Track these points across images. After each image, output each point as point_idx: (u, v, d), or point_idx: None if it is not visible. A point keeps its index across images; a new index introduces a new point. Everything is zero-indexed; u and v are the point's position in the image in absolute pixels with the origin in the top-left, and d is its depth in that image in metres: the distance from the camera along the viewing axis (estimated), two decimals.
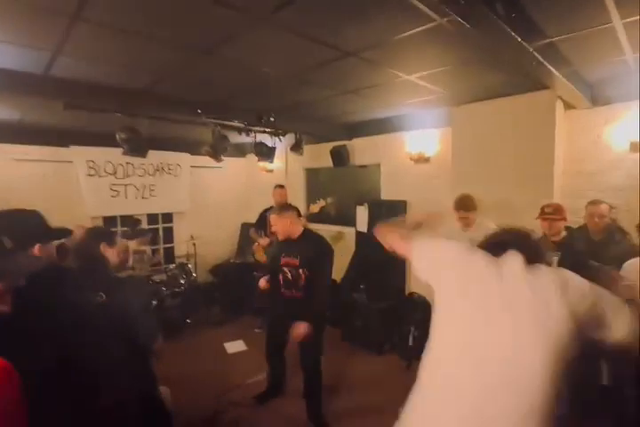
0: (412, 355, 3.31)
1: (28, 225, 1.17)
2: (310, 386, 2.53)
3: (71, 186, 4.20)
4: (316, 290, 2.44)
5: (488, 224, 2.82)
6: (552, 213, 2.42)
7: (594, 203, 2.52)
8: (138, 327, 1.54)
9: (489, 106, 3.05)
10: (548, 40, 1.88)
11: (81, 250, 1.65)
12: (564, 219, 2.42)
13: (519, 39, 1.61)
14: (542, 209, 2.47)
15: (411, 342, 3.33)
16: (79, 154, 4.18)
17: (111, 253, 1.69)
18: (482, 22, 1.44)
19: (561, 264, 2.44)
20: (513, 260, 0.93)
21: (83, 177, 4.21)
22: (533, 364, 0.79)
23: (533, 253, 0.97)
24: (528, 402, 0.78)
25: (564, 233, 2.49)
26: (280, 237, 2.57)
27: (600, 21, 1.69)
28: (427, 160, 3.73)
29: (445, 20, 1.54)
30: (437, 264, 1.05)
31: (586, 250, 2.41)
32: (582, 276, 0.94)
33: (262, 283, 2.66)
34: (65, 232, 1.31)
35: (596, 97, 2.74)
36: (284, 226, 2.49)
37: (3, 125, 3.62)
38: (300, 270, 2.49)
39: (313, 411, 2.53)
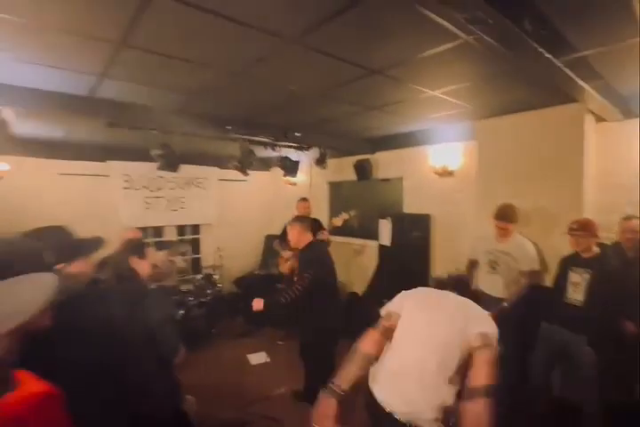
0: None
1: (65, 241, 1.23)
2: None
3: (108, 198, 4.45)
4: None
5: (525, 243, 2.76)
6: (578, 229, 2.37)
7: (627, 218, 2.44)
8: (161, 340, 1.54)
9: (515, 119, 3.03)
10: (577, 54, 1.86)
11: (114, 263, 1.70)
12: (593, 235, 2.35)
13: (547, 55, 1.62)
14: (570, 225, 2.42)
15: None
16: (116, 168, 4.45)
17: (142, 266, 1.72)
18: (509, 39, 1.46)
19: (593, 282, 2.35)
20: (448, 294, 1.74)
21: (119, 190, 4.47)
22: (452, 342, 1.49)
23: (463, 289, 1.83)
24: (447, 359, 1.46)
25: (596, 250, 2.41)
26: (291, 245, 2.78)
27: (631, 34, 1.68)
28: (450, 174, 3.72)
29: (472, 37, 1.55)
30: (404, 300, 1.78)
31: (620, 267, 2.31)
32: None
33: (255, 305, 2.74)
34: (97, 243, 1.37)
35: (629, 109, 2.67)
36: (292, 235, 2.72)
37: (49, 142, 3.92)
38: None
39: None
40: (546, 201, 2.88)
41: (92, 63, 2.02)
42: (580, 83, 1.97)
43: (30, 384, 0.73)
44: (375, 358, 1.61)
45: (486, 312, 1.65)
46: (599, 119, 2.79)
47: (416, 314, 1.64)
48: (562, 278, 2.54)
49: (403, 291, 1.85)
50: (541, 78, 2.10)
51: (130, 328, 1.33)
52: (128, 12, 1.47)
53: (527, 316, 2.72)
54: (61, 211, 3.73)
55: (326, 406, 1.41)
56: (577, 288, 2.44)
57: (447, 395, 1.42)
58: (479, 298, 1.86)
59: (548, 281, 2.82)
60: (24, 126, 3.09)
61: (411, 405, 1.42)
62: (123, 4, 1.42)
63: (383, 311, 1.75)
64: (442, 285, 1.86)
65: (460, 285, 1.86)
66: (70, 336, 1.06)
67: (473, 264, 3.04)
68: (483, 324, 1.54)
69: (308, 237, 2.73)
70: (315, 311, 2.64)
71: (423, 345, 1.52)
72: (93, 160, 4.33)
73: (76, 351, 1.06)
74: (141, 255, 1.73)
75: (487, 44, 1.51)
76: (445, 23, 1.34)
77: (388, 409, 1.45)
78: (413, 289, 1.85)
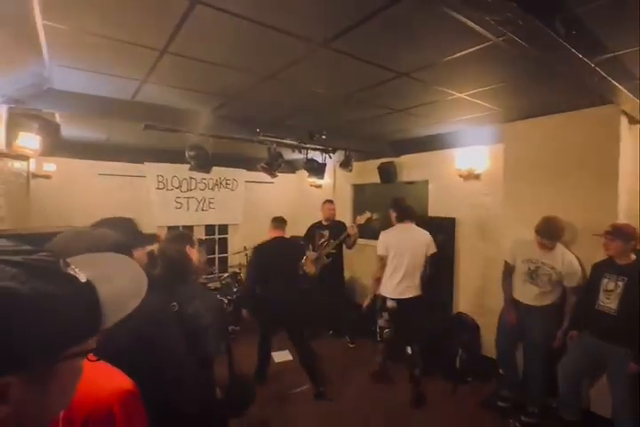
0: (459, 378, 3.18)
1: (127, 231, 1.25)
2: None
3: (142, 198, 4.69)
4: None
5: (571, 257, 2.62)
6: (613, 232, 2.30)
7: None
8: (207, 340, 1.56)
9: (545, 122, 2.97)
10: (611, 54, 1.83)
11: (168, 252, 1.68)
12: (630, 241, 2.27)
13: (580, 55, 1.61)
14: (606, 229, 2.36)
15: (457, 365, 3.21)
16: (151, 169, 4.69)
17: (194, 255, 1.77)
18: (540, 41, 1.45)
19: (628, 290, 2.27)
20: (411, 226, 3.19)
21: (153, 190, 4.70)
22: (422, 254, 3.05)
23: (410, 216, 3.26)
24: (419, 265, 3.04)
25: (633, 257, 2.33)
26: None
27: None
28: (477, 177, 3.68)
29: (501, 39, 1.57)
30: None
31: None
32: None
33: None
34: (154, 238, 1.48)
35: None
36: None
37: (92, 145, 4.18)
38: None
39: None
40: (577, 206, 2.80)
41: (136, 69, 2.16)
42: (615, 83, 1.93)
43: (115, 376, 0.76)
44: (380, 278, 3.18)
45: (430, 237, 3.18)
46: (632, 121, 2.70)
47: (396, 247, 3.09)
48: (594, 285, 2.46)
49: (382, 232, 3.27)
50: (573, 79, 2.06)
51: (172, 324, 1.34)
52: (172, 21, 1.58)
53: (555, 323, 2.65)
54: (100, 209, 3.96)
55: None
56: (610, 296, 2.37)
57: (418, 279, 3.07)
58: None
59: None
60: (70, 129, 3.33)
61: (398, 290, 3.06)
62: (168, 13, 1.52)
63: (378, 254, 3.21)
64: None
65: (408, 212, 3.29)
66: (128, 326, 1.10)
67: (510, 270, 2.88)
68: (432, 246, 3.14)
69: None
70: None
71: (406, 259, 3.05)
72: (131, 161, 4.58)
73: (127, 341, 1.03)
74: (193, 244, 1.80)
75: (517, 46, 1.52)
76: (474, 25, 1.36)
77: (387, 296, 3.08)
78: (390, 229, 3.27)
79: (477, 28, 1.40)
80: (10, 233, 1.79)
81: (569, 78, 2.07)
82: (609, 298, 2.36)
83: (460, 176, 3.78)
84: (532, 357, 2.77)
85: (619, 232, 2.30)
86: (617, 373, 2.29)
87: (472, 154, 3.67)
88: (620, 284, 2.33)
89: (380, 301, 3.18)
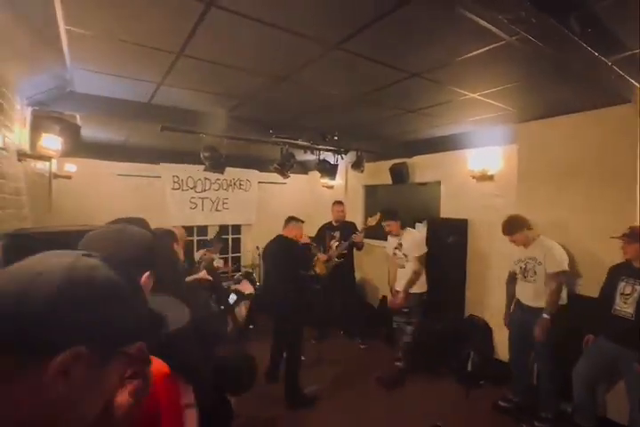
0: (471, 382, 3.14)
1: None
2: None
3: (158, 198, 4.79)
4: None
5: (550, 245, 2.69)
6: (631, 235, 2.25)
7: None
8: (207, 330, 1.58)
9: (559, 122, 2.93)
10: (629, 52, 1.79)
11: (162, 250, 1.78)
12: None
13: (596, 53, 1.59)
14: (625, 231, 2.31)
15: (469, 368, 3.16)
16: (167, 170, 4.79)
17: (179, 250, 1.90)
18: (555, 39, 1.44)
19: None
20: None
21: (168, 190, 4.80)
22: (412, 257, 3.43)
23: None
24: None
25: None
26: None
27: None
28: (490, 178, 3.64)
29: (514, 38, 1.56)
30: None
31: None
32: None
33: None
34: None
35: None
36: None
37: (111, 146, 4.30)
38: None
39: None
40: (593, 208, 2.74)
41: (153, 72, 2.22)
42: (632, 81, 1.90)
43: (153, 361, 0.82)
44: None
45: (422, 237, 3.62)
46: None
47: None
48: (610, 289, 2.41)
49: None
50: (589, 78, 2.03)
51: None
52: (188, 24, 1.63)
53: (569, 328, 2.60)
54: (118, 208, 4.06)
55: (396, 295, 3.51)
56: (628, 300, 2.31)
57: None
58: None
59: (588, 290, 2.69)
60: (90, 131, 3.43)
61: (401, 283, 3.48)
62: (184, 16, 1.56)
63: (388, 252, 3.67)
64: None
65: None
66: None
67: (511, 276, 2.98)
68: (423, 248, 3.47)
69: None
70: None
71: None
72: (148, 162, 4.69)
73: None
74: (177, 241, 1.94)
75: (531, 45, 1.51)
76: (487, 24, 1.36)
77: (396, 288, 3.52)
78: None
79: (490, 27, 1.40)
80: (33, 231, 1.86)
81: (584, 77, 2.04)
82: (626, 302, 2.31)
83: (473, 177, 3.74)
84: (539, 360, 2.76)
85: (636, 235, 2.25)
86: (634, 378, 2.23)
87: (485, 155, 3.63)
88: (638, 288, 2.28)
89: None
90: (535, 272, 2.70)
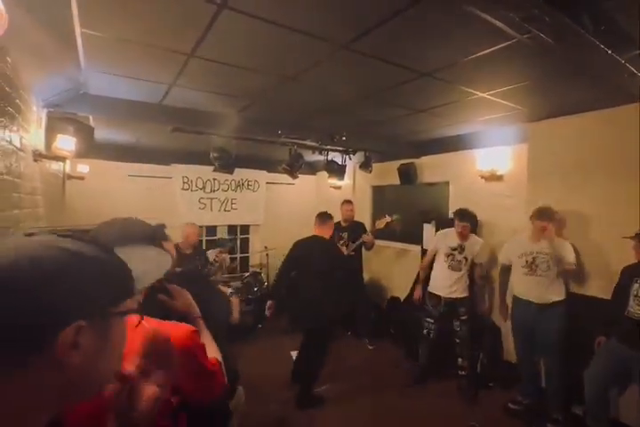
0: (480, 383, 3.12)
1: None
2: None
3: (169, 198, 4.85)
4: None
5: (565, 243, 2.72)
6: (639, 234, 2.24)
7: None
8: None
9: (571, 121, 2.90)
10: None
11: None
12: None
13: (609, 51, 1.57)
14: (638, 231, 2.28)
15: (478, 370, 3.13)
16: (177, 171, 4.85)
17: (170, 248, 1.95)
18: (567, 37, 1.43)
19: None
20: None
21: (178, 191, 4.85)
22: None
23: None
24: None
25: None
26: None
27: None
28: (499, 178, 3.61)
29: (526, 36, 1.54)
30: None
31: None
32: None
33: None
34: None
35: None
36: None
37: (122, 147, 4.37)
38: None
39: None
40: (606, 209, 2.71)
41: (165, 73, 2.25)
42: None
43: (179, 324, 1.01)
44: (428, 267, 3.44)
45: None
46: None
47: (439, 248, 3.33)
48: (624, 290, 2.38)
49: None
50: (602, 76, 2.01)
51: None
52: (200, 25, 1.65)
53: (580, 328, 2.57)
54: (129, 209, 4.12)
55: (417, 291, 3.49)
56: None
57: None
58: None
59: (600, 292, 2.66)
60: (102, 132, 3.49)
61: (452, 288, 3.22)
62: (196, 18, 1.58)
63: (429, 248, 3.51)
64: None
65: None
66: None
67: (504, 270, 3.04)
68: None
69: None
70: None
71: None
72: (158, 163, 4.75)
73: None
74: (167, 239, 1.97)
75: (543, 43, 1.50)
76: (498, 23, 1.36)
77: (435, 292, 3.26)
78: (438, 232, 3.47)
79: (501, 25, 1.40)
80: (48, 231, 1.89)
81: (597, 75, 2.02)
82: (639, 304, 2.28)
83: (482, 177, 3.72)
84: (547, 359, 2.74)
85: None
86: None
87: (494, 154, 3.61)
88: None
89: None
90: (549, 267, 2.69)
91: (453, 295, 3.20)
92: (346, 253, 4.09)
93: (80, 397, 0.50)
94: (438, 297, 3.25)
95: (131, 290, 0.55)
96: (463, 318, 3.19)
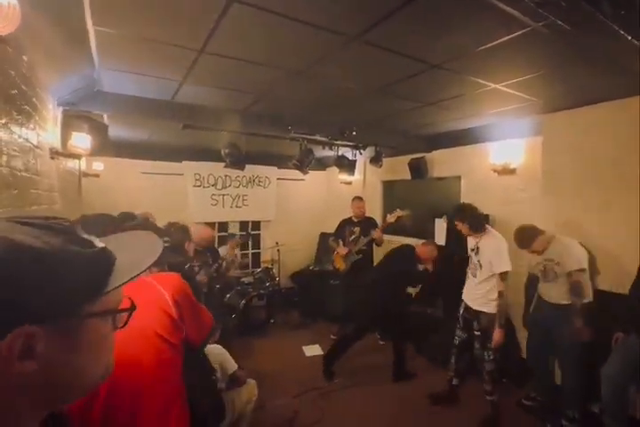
0: (489, 379, 3.04)
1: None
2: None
3: (181, 195, 4.91)
4: None
5: (568, 244, 2.58)
6: None
7: None
8: None
9: (588, 112, 2.82)
10: None
11: (177, 247, 1.89)
12: None
13: (629, 37, 1.52)
14: None
15: (490, 388, 2.96)
16: (189, 168, 4.91)
17: (190, 248, 2.02)
18: (584, 23, 1.38)
19: None
20: None
21: (190, 187, 4.91)
22: None
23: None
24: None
25: None
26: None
27: None
28: (512, 172, 3.54)
29: (541, 24, 1.50)
30: None
31: None
32: None
33: None
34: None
35: None
36: None
37: (135, 144, 4.44)
38: None
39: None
40: (625, 202, 2.63)
41: (176, 70, 2.27)
42: None
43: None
44: None
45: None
46: None
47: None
48: None
49: None
50: (621, 64, 1.95)
51: None
52: (210, 22, 1.66)
53: (595, 325, 2.52)
54: (142, 205, 4.19)
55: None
56: None
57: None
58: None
59: (616, 286, 2.59)
60: (115, 130, 3.54)
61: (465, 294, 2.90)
62: (206, 13, 1.58)
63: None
64: None
65: None
66: None
67: (531, 279, 2.97)
68: (505, 263, 2.66)
69: None
70: None
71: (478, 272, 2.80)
72: (170, 160, 4.81)
73: None
74: (189, 239, 2.05)
75: (559, 30, 1.46)
76: (512, 10, 1.32)
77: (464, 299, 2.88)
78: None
79: (515, 12, 1.37)
80: (41, 217, 1.96)
81: (616, 63, 1.95)
82: None
83: (495, 171, 3.66)
84: (564, 357, 2.68)
85: None
86: None
87: (507, 147, 3.54)
88: None
89: None
90: (555, 273, 2.62)
91: (470, 304, 2.79)
92: (357, 248, 4.09)
93: (61, 399, 0.47)
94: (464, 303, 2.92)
95: (104, 286, 0.47)
96: (477, 333, 2.73)
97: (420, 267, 3.27)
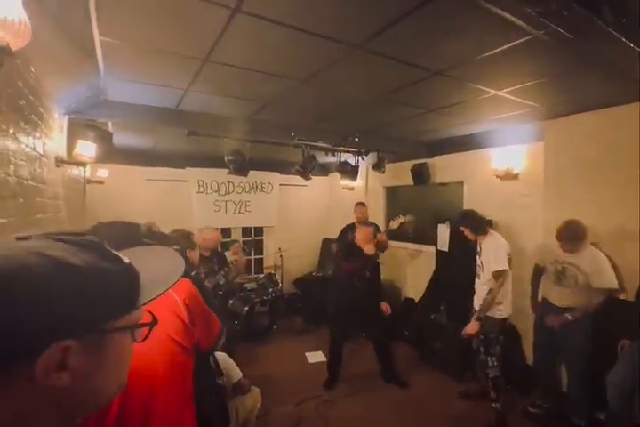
0: (492, 385, 3.00)
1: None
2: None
3: (185, 202, 4.93)
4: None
5: (599, 257, 2.51)
6: None
7: None
8: None
9: (589, 118, 2.83)
10: None
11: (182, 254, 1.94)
12: None
13: (631, 45, 1.53)
14: None
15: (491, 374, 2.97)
16: (192, 174, 4.93)
17: (194, 256, 2.04)
18: (586, 31, 1.39)
19: None
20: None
21: (194, 194, 4.93)
22: None
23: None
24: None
25: None
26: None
27: None
28: (515, 177, 3.54)
29: (542, 32, 1.52)
30: None
31: None
32: None
33: None
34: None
35: None
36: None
37: (140, 152, 4.47)
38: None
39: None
40: (627, 208, 2.62)
41: (180, 78, 2.30)
42: None
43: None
44: None
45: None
46: None
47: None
48: None
49: None
50: (622, 71, 1.96)
51: None
52: (215, 31, 1.68)
53: (603, 331, 2.50)
54: (147, 212, 4.21)
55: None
56: None
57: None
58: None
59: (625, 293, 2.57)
60: (120, 137, 3.57)
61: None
62: (211, 23, 1.60)
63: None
64: None
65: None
66: None
67: (539, 271, 2.89)
68: (502, 262, 2.70)
69: None
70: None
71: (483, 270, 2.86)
72: (174, 167, 4.84)
73: None
74: (193, 247, 2.08)
75: (561, 38, 1.47)
76: (514, 19, 1.33)
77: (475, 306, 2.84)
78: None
79: (517, 21, 1.38)
80: (79, 232, 1.97)
81: (617, 70, 1.97)
82: None
83: (497, 176, 3.66)
84: (571, 365, 2.67)
85: None
86: None
87: (509, 153, 3.55)
88: None
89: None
90: (576, 281, 2.54)
91: (477, 308, 2.81)
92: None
93: (79, 414, 0.48)
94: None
95: (133, 303, 0.48)
96: (481, 337, 2.75)
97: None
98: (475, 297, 2.93)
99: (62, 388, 0.41)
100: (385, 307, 3.30)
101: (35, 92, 1.82)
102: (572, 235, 2.52)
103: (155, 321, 0.53)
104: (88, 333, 0.43)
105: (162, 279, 0.54)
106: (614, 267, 2.53)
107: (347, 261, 3.24)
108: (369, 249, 3.13)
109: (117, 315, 0.46)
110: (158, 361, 1.09)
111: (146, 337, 0.53)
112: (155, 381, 1.07)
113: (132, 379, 0.57)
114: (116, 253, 0.50)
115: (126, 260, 0.50)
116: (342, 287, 3.24)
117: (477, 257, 2.92)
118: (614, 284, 2.47)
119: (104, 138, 2.73)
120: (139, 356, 0.94)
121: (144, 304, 0.49)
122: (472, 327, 2.71)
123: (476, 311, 2.81)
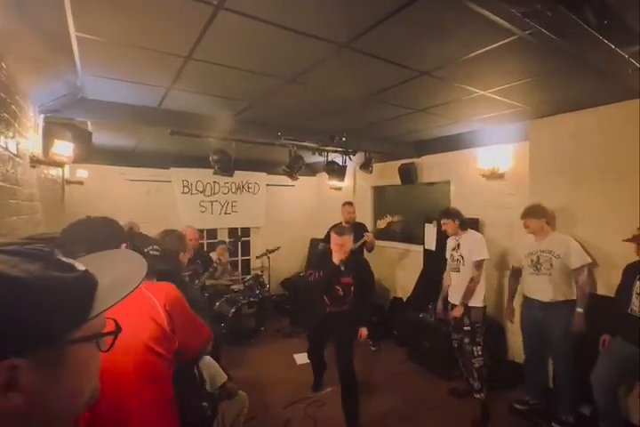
0: (477, 375, 3.02)
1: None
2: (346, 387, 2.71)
3: (169, 202, 4.82)
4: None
5: (566, 239, 2.70)
6: (638, 236, 2.21)
7: None
8: None
9: (573, 118, 2.87)
10: None
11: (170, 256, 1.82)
12: None
13: (612, 46, 1.55)
14: (638, 231, 2.25)
15: (478, 386, 2.90)
16: (177, 174, 4.83)
17: (184, 258, 1.99)
18: (570, 32, 1.40)
19: None
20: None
21: (178, 194, 4.83)
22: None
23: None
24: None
25: None
26: (343, 257, 2.69)
27: None
28: (500, 176, 3.59)
29: (527, 32, 1.53)
30: None
31: None
32: None
33: None
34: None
35: None
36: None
37: (121, 151, 4.35)
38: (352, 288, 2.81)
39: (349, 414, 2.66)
40: (611, 207, 2.68)
41: (162, 76, 2.23)
42: None
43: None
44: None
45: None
46: None
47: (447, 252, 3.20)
48: (626, 288, 2.35)
49: None
50: (605, 72, 1.99)
51: None
52: (197, 28, 1.63)
53: (589, 327, 2.54)
54: (129, 213, 4.10)
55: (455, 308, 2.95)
56: None
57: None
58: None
59: (602, 289, 2.63)
60: (101, 137, 3.47)
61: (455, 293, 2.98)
62: (193, 19, 1.56)
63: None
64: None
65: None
66: None
67: (515, 272, 3.02)
68: (483, 252, 2.92)
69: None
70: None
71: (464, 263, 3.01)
72: (158, 167, 4.73)
73: None
74: (186, 249, 2.02)
75: (545, 39, 1.47)
76: (499, 19, 1.33)
77: (450, 300, 3.04)
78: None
79: (502, 21, 1.38)
80: (47, 237, 1.87)
81: (600, 71, 1.99)
82: None
83: (483, 176, 3.69)
84: (556, 359, 2.72)
85: None
86: None
87: (495, 153, 3.58)
88: None
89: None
90: (551, 265, 2.67)
91: (456, 301, 2.96)
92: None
93: (54, 426, 0.46)
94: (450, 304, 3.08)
95: (88, 312, 0.45)
96: (466, 328, 2.87)
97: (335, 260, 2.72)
98: (451, 296, 3.09)
99: (16, 408, 0.39)
100: (363, 333, 2.82)
101: (7, 89, 1.74)
102: (530, 210, 2.77)
103: (118, 329, 0.50)
104: (38, 348, 0.40)
105: (122, 285, 0.50)
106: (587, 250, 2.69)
107: (313, 268, 2.88)
108: (336, 257, 2.70)
109: (72, 326, 0.43)
110: (131, 368, 1.07)
111: (111, 346, 0.49)
112: (128, 388, 1.05)
113: (104, 386, 0.54)
114: (68, 260, 0.47)
115: (81, 267, 0.47)
116: (316, 301, 2.94)
117: (454, 253, 3.08)
118: (587, 259, 2.63)
119: (83, 137, 2.64)
120: (111, 363, 0.92)
121: (102, 312, 0.46)
122: (458, 311, 2.90)
123: (450, 304, 3.06)
